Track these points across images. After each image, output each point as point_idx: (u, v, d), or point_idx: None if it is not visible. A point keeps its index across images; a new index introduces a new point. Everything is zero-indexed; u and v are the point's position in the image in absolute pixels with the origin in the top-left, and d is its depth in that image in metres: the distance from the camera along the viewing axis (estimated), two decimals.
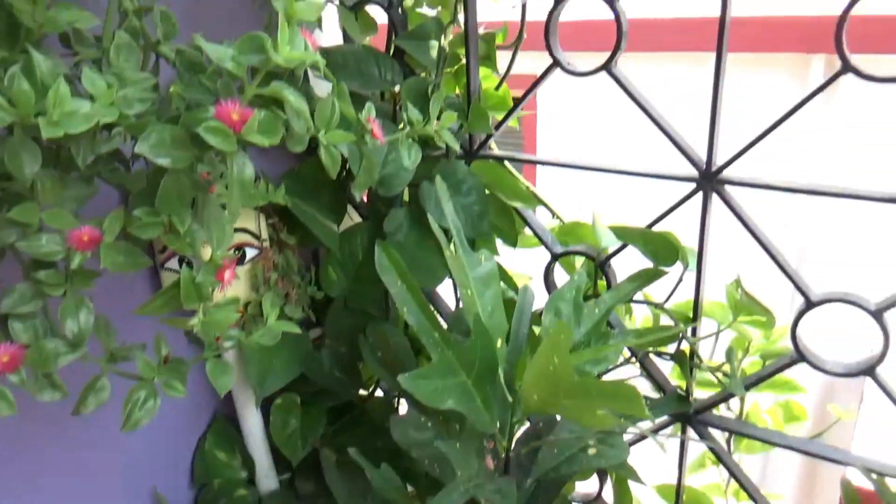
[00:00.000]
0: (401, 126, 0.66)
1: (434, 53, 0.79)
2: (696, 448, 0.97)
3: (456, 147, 0.69)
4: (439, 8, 0.84)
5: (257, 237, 0.79)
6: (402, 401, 0.96)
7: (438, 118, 0.64)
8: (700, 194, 0.73)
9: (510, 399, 0.66)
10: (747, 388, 0.76)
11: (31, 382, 0.49)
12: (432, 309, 0.62)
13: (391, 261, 0.61)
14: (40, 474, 0.69)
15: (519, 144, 3.44)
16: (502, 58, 0.89)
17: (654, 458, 1.03)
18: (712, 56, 0.67)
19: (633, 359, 0.84)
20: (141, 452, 0.81)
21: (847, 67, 0.60)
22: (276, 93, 0.44)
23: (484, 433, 0.73)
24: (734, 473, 0.81)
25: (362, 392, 0.99)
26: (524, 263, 1.01)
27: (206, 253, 0.51)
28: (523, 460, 0.74)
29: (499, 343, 0.67)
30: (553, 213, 0.94)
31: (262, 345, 0.54)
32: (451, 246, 0.69)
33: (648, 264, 0.78)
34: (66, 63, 0.46)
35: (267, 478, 0.89)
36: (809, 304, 0.70)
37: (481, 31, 0.84)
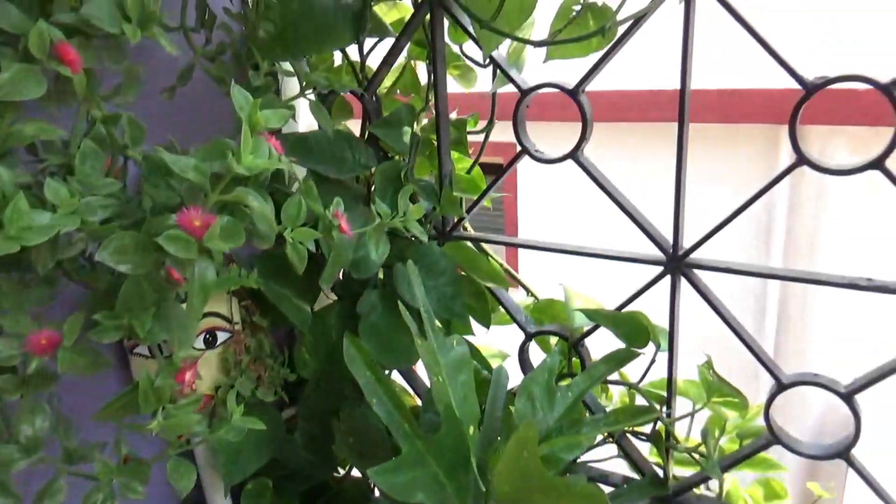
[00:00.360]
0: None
1: (407, 139, 0.81)
2: None
3: (424, 238, 0.70)
4: (412, 94, 0.87)
5: (229, 320, 0.79)
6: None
7: (405, 212, 0.65)
8: (669, 277, 0.74)
9: (483, 488, 0.65)
10: (724, 469, 0.75)
11: None
12: (401, 400, 0.61)
13: (359, 352, 0.61)
14: None
15: (500, 223, 3.50)
16: (476, 139, 0.92)
17: None
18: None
19: (611, 438, 0.83)
20: None
21: (801, 160, 0.62)
22: (240, 199, 0.45)
23: None
24: None
25: (340, 470, 0.97)
26: (501, 339, 1.01)
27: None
28: None
29: (471, 430, 0.66)
30: (528, 291, 0.95)
31: (229, 440, 0.53)
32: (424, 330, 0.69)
33: (623, 343, 0.78)
34: (32, 169, 0.47)
35: None
36: (781, 387, 0.70)
37: (453, 116, 0.86)
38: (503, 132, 0.82)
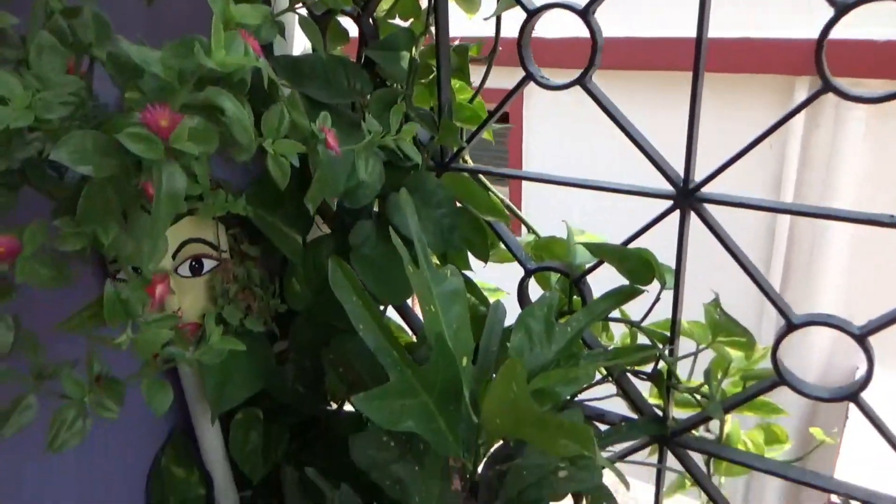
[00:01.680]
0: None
1: (405, 64, 0.76)
2: (678, 467, 0.94)
3: (417, 158, 0.66)
4: (411, 19, 0.82)
5: (216, 248, 0.76)
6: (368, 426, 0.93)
7: (399, 130, 0.61)
8: (677, 212, 0.70)
9: (476, 420, 0.63)
10: (726, 410, 0.73)
11: None
12: (389, 326, 0.59)
13: (346, 276, 0.58)
14: None
15: (503, 160, 3.42)
16: (478, 71, 0.86)
17: (632, 478, 0.99)
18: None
19: (610, 377, 0.81)
20: (93, 468, 0.77)
21: (828, 86, 0.57)
22: (210, 100, 0.41)
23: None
24: (713, 497, 0.78)
25: (332, 406, 0.95)
26: (499, 279, 0.98)
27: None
28: (492, 482, 0.71)
29: (464, 362, 0.64)
30: (529, 228, 0.91)
31: (205, 363, 0.51)
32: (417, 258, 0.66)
33: (626, 281, 0.75)
34: None
35: (226, 496, 0.85)
36: (791, 327, 0.67)
37: (455, 43, 0.81)
38: (508, 77, 0.77)
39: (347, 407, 1.00)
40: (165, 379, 0.52)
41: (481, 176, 0.84)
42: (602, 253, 0.72)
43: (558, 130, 3.20)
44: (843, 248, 2.62)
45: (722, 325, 0.71)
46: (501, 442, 0.78)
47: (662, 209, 0.70)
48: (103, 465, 0.78)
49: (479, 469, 0.67)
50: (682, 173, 0.69)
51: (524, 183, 3.27)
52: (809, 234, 2.64)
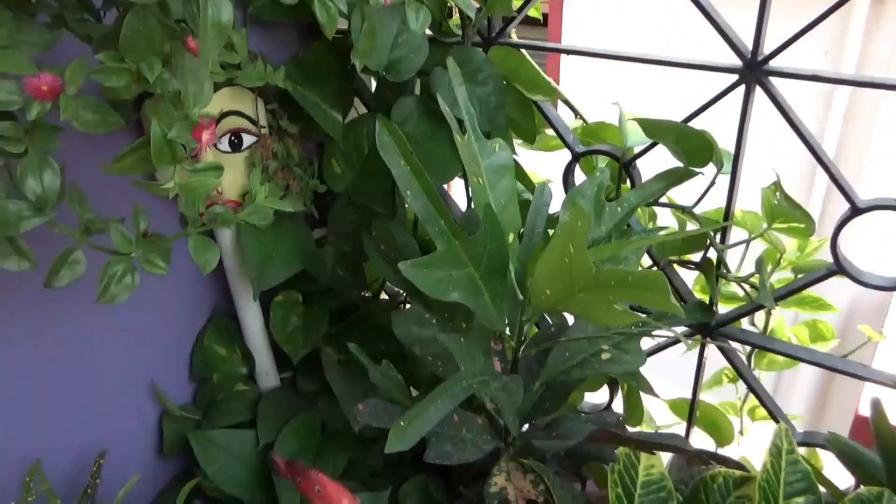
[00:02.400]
0: None
1: None
2: (713, 366, 0.93)
3: (470, 12, 0.62)
4: None
5: (254, 122, 0.73)
6: (408, 306, 0.93)
7: None
8: (742, 88, 0.66)
9: (521, 297, 0.62)
10: (777, 300, 0.71)
11: None
12: (438, 195, 0.57)
13: (394, 139, 0.55)
14: (31, 363, 0.67)
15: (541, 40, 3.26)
16: None
17: (667, 372, 0.99)
18: None
19: (655, 267, 0.79)
20: (139, 344, 0.79)
21: None
22: None
23: (491, 332, 0.69)
24: (754, 389, 0.77)
25: (366, 295, 0.95)
26: (542, 169, 0.95)
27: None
28: (532, 363, 0.71)
29: (511, 238, 0.62)
30: (576, 113, 0.87)
31: (251, 224, 0.50)
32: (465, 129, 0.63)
33: (681, 163, 0.71)
34: None
35: (267, 374, 0.87)
36: (855, 211, 0.64)
37: None
38: None
39: (384, 296, 1.00)
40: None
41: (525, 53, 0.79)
42: (657, 131, 0.68)
43: (602, 9, 3.02)
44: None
45: (780, 210, 0.68)
46: (537, 330, 0.77)
47: (725, 85, 0.66)
48: (150, 341, 0.80)
49: (521, 350, 0.66)
50: (749, 45, 0.64)
51: (562, 67, 3.11)
52: (865, 117, 2.50)
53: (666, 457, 0.73)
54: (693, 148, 0.67)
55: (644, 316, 0.73)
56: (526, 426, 0.75)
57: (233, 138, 0.73)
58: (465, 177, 0.84)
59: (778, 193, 0.67)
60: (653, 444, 0.61)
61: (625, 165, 0.75)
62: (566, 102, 0.85)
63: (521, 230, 0.66)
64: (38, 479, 0.64)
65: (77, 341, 0.71)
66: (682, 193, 0.76)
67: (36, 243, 0.47)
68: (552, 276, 0.51)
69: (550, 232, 0.71)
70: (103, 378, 0.75)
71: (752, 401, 0.96)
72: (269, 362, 0.87)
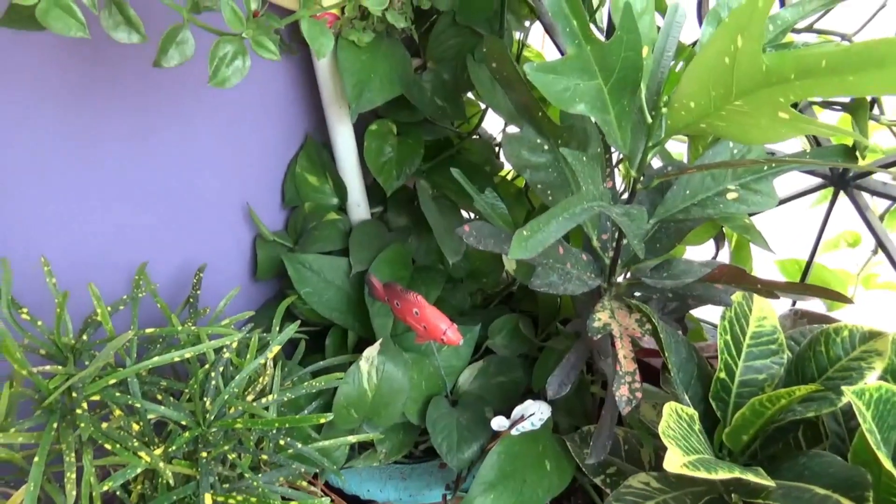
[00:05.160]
0: None
1: None
2: (831, 229, 0.86)
3: None
4: None
5: None
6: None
7: None
8: None
9: (649, 120, 0.56)
10: None
11: (104, 15, 0.42)
12: None
13: None
14: (136, 164, 0.66)
15: None
16: None
17: (779, 231, 0.92)
18: None
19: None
20: (235, 166, 0.77)
21: None
22: None
23: (605, 166, 0.64)
24: (885, 247, 0.70)
25: (460, 132, 0.91)
26: None
27: None
28: (645, 203, 0.66)
29: (646, 52, 0.55)
30: None
31: (351, 41, 0.44)
32: None
33: None
34: None
35: (358, 206, 0.85)
36: None
37: None
38: None
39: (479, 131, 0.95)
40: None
41: None
42: None
43: None
44: None
45: None
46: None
47: None
48: (245, 165, 0.78)
49: (640, 181, 0.61)
50: None
51: None
52: None
53: (777, 313, 0.69)
54: None
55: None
56: (627, 272, 0.72)
57: None
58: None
59: None
60: (780, 285, 0.56)
61: None
62: None
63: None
64: (145, 280, 0.65)
65: (180, 149, 0.70)
66: (843, 22, 0.66)
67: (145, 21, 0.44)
68: (704, 81, 0.45)
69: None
70: (202, 194, 0.75)
71: (868, 269, 0.89)
72: (361, 193, 0.85)
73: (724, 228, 0.81)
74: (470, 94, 0.87)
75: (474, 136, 0.91)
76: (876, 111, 0.65)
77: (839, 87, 0.35)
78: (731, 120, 0.46)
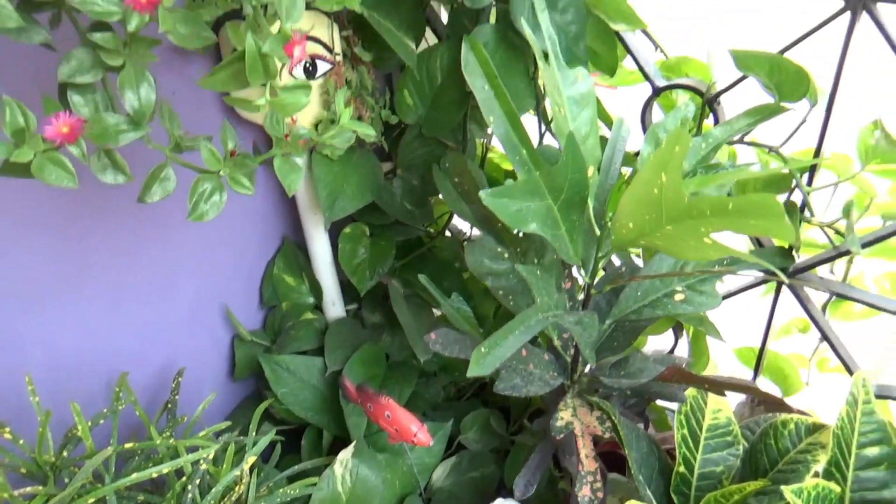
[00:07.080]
0: None
1: None
2: (781, 317, 0.91)
3: None
4: None
5: (330, 49, 0.73)
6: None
7: None
8: (847, 15, 0.61)
9: (597, 232, 0.61)
10: (864, 246, 0.68)
11: (93, 160, 0.46)
12: (521, 123, 0.55)
13: (479, 61, 0.54)
14: (122, 280, 0.70)
15: None
16: None
17: (733, 321, 0.97)
18: None
19: None
20: (214, 270, 0.81)
21: None
22: None
23: (562, 271, 0.69)
24: (828, 338, 0.75)
25: (430, 231, 0.95)
26: (614, 108, 0.92)
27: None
28: (602, 302, 0.70)
29: (591, 171, 0.60)
30: (657, 46, 0.83)
31: (324, 154, 0.50)
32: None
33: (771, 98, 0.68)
34: None
35: (334, 305, 0.89)
36: None
37: None
38: None
39: (446, 234, 1.00)
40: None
41: None
42: (750, 62, 0.64)
43: None
44: None
45: (878, 150, 0.64)
46: (603, 273, 0.76)
47: (827, 14, 0.62)
48: (224, 268, 0.82)
49: (593, 287, 0.66)
50: None
51: None
52: None
53: (731, 405, 0.72)
54: (787, 80, 0.64)
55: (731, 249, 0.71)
56: (589, 367, 0.75)
57: (308, 65, 0.72)
58: (537, 112, 0.82)
59: (877, 132, 0.63)
60: (724, 384, 0.60)
61: (709, 101, 0.72)
62: (648, 35, 0.82)
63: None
64: (126, 391, 0.67)
65: (163, 256, 0.73)
66: (768, 134, 0.73)
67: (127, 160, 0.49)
68: (638, 207, 0.50)
69: (625, 172, 0.69)
70: (182, 299, 0.78)
71: (820, 353, 0.94)
72: (336, 292, 0.88)
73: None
74: (440, 195, 0.93)
75: (445, 234, 0.96)
76: (807, 214, 0.71)
77: (744, 226, 0.40)
78: (667, 240, 0.51)
